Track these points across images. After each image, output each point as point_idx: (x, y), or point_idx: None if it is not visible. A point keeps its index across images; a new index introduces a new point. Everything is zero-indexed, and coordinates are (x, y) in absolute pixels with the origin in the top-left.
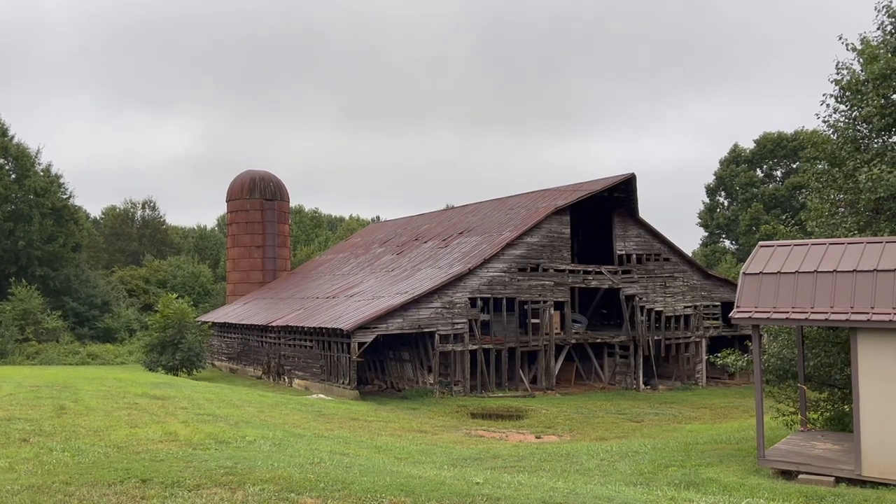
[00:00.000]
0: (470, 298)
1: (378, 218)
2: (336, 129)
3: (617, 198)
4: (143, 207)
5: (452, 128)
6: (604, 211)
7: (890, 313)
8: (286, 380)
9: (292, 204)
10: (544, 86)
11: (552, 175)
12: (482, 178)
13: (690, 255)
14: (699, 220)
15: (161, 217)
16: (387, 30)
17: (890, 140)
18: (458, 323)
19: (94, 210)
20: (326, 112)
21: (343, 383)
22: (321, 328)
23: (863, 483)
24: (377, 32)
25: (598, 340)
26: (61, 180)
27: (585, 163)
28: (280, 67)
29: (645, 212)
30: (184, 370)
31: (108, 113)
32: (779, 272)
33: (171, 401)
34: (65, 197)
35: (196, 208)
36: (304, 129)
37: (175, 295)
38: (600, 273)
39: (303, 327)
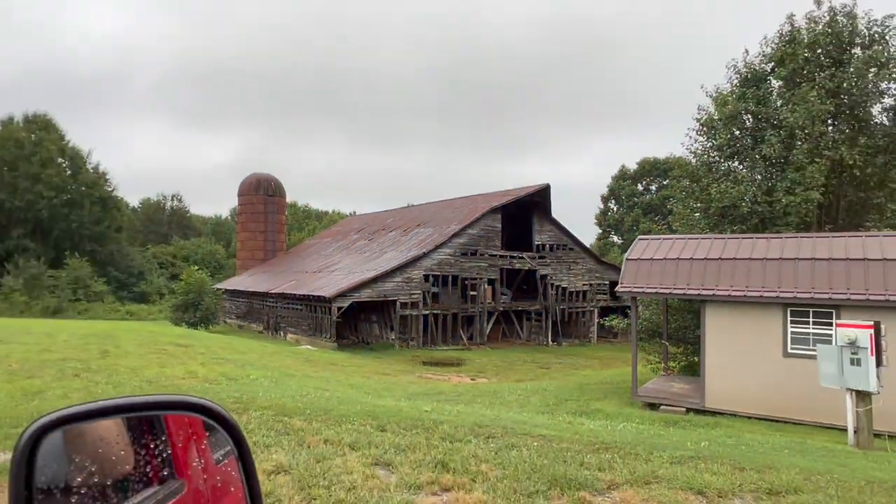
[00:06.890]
0: (424, 275)
1: (354, 212)
2: (338, 147)
3: (537, 202)
4: (172, 199)
5: (423, 148)
6: (527, 211)
7: (728, 290)
8: (282, 334)
9: (289, 200)
10: (490, 120)
11: (491, 185)
12: (436, 185)
13: (588, 246)
14: (595, 221)
15: (186, 207)
16: (385, 83)
17: (733, 165)
18: (414, 293)
19: (134, 201)
20: (329, 136)
21: (325, 338)
22: (309, 295)
23: (705, 412)
24: (380, 88)
25: (520, 308)
26: (107, 176)
27: (518, 179)
28: (301, 101)
29: (557, 213)
30: (202, 325)
31: (162, 129)
32: (651, 258)
33: (192, 348)
34: (109, 189)
35: (216, 202)
36: (309, 148)
37: (196, 267)
38: (522, 258)
39: (295, 294)
